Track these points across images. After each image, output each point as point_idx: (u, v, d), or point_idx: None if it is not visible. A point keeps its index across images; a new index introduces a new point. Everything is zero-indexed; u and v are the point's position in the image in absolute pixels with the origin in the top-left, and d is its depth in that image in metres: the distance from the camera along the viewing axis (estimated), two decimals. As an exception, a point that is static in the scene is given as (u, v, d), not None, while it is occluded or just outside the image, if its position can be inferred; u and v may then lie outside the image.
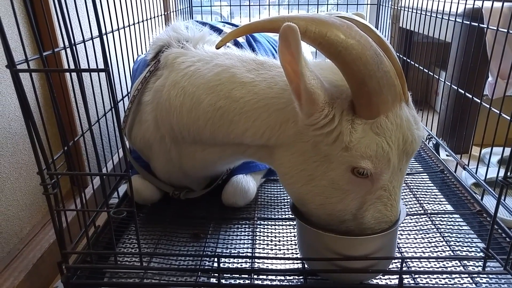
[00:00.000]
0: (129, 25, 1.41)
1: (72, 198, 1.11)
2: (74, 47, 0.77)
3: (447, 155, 1.51)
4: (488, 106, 1.16)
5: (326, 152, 0.71)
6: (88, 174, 1.23)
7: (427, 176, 1.35)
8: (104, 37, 0.75)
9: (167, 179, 1.16)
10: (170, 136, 1.01)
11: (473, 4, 1.37)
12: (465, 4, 1.41)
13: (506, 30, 1.06)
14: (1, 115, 0.98)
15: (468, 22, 1.34)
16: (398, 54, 2.29)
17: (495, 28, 1.13)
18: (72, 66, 0.77)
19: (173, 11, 2.22)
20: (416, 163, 1.46)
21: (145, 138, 1.09)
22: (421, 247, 0.97)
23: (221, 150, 0.95)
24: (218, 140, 0.91)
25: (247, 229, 1.07)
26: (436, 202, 1.18)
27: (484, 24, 1.24)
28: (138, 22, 1.54)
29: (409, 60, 1.99)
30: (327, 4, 2.78)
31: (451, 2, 1.51)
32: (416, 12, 1.87)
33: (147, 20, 1.66)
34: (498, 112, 1.09)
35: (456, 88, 1.39)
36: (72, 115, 1.22)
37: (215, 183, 1.16)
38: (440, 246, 0.98)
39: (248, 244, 1.01)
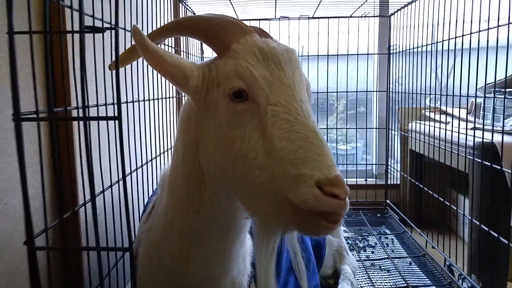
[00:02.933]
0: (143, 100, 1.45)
1: None
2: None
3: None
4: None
5: (213, 103, 0.79)
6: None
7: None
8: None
9: None
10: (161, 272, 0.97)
11: (483, 137, 1.38)
12: (482, 138, 1.42)
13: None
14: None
15: (488, 164, 1.31)
16: (410, 178, 2.28)
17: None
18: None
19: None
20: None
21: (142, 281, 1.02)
22: None
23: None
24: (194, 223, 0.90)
25: None
26: None
27: (503, 161, 1.23)
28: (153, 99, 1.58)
29: (421, 186, 1.96)
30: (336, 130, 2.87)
31: (462, 133, 1.53)
32: (423, 140, 1.90)
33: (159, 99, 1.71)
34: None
35: (485, 228, 1.32)
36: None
37: None
38: None
39: None
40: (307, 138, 0.70)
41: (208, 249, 0.91)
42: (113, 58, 0.93)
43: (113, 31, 0.60)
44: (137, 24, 1.28)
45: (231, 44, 0.78)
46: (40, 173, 0.71)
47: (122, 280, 1.24)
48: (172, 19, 1.90)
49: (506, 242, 1.13)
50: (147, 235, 1.03)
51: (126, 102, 1.36)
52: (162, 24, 0.98)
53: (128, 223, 0.66)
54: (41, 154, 0.71)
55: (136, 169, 1.43)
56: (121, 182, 1.23)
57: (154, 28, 1.26)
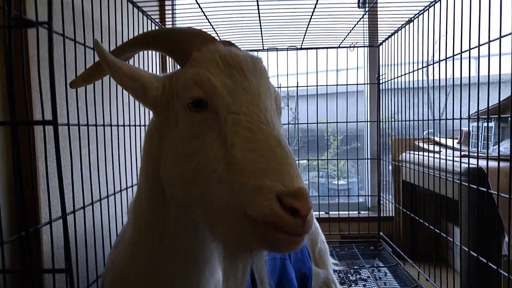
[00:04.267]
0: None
1: None
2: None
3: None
4: (506, 274, 1.02)
5: (173, 116, 0.75)
6: None
7: None
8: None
9: None
10: None
11: (472, 163, 1.35)
12: (468, 163, 1.38)
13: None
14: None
15: (475, 187, 1.27)
16: (404, 210, 2.22)
17: (506, 195, 1.07)
18: None
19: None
20: None
21: None
22: None
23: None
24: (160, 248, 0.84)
25: None
26: None
27: (490, 185, 1.19)
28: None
29: (417, 218, 1.90)
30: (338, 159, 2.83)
31: (450, 160, 1.50)
32: (415, 169, 1.86)
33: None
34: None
35: (474, 254, 1.26)
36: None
37: None
38: None
39: None
40: (269, 147, 0.65)
41: (175, 278, 0.84)
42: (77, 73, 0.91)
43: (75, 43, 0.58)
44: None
45: (192, 53, 0.75)
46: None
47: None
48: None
49: (495, 267, 1.07)
50: (111, 265, 0.96)
51: (106, 125, 1.34)
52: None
53: (67, 242, 0.61)
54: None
55: (114, 194, 1.38)
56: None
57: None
